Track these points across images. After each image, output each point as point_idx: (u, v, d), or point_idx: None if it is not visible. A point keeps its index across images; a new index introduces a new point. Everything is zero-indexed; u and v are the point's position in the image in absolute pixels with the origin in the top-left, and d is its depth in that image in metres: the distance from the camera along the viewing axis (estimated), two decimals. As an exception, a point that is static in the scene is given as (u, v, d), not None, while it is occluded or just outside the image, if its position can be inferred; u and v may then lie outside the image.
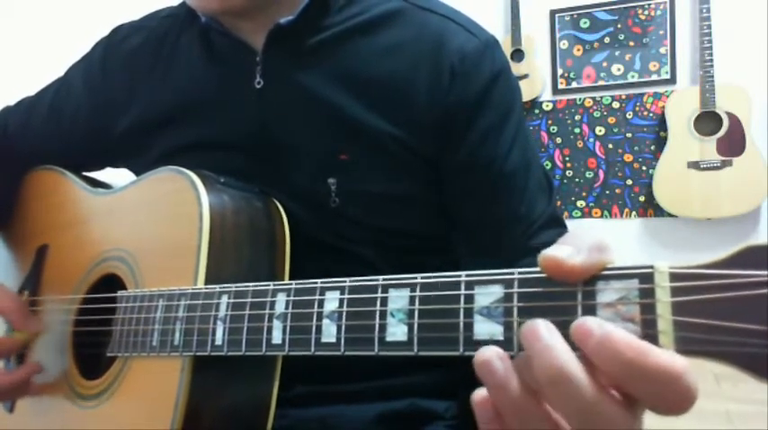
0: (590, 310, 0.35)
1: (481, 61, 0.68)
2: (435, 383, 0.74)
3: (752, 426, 2.09)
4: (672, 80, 3.06)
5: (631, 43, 3.12)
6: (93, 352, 0.72)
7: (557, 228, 0.72)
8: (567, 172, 3.25)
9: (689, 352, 0.32)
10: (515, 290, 0.38)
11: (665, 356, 0.31)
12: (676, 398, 0.31)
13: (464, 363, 0.39)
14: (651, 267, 0.33)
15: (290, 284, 0.50)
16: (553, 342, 0.33)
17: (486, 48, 0.69)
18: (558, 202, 3.25)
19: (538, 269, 0.37)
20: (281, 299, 0.50)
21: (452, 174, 0.70)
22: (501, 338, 0.38)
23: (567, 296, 0.36)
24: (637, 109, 3.12)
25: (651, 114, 3.10)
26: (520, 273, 0.38)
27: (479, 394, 0.37)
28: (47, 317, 0.78)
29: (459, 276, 0.40)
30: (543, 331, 0.34)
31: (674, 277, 0.33)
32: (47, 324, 0.78)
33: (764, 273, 0.30)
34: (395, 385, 0.73)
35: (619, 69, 3.14)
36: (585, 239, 0.36)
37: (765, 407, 2.03)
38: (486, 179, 0.70)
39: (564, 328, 0.34)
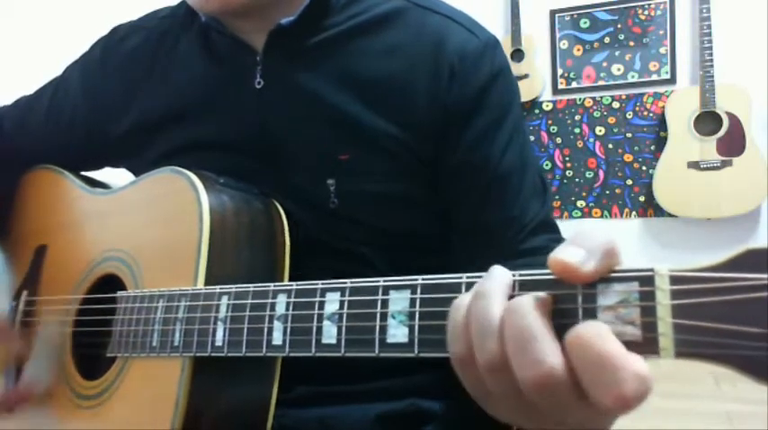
0: (590, 313, 0.35)
1: (481, 61, 0.68)
2: (435, 383, 0.74)
3: (752, 426, 2.09)
4: (672, 80, 3.06)
5: (631, 43, 3.12)
6: (92, 352, 0.72)
7: (549, 234, 0.71)
8: (567, 172, 3.25)
9: (689, 354, 0.32)
10: (516, 292, 0.38)
11: (617, 347, 0.32)
12: (606, 386, 0.32)
13: None
14: (651, 270, 0.33)
15: (291, 285, 0.50)
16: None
17: (486, 47, 0.69)
18: (558, 202, 3.25)
19: (538, 271, 0.37)
20: (281, 300, 0.50)
21: (449, 173, 0.70)
22: None
23: (567, 299, 0.36)
24: (637, 109, 3.12)
25: (651, 114, 3.10)
26: (520, 275, 0.38)
27: (461, 311, 0.39)
28: (46, 317, 0.78)
29: (461, 278, 0.40)
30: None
31: (675, 280, 0.33)
32: (45, 325, 0.78)
33: (764, 276, 0.30)
34: (395, 385, 0.73)
35: (619, 69, 3.14)
36: (596, 239, 0.36)
37: (765, 407, 2.03)
38: (481, 179, 0.70)
39: (563, 330, 0.34)
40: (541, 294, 0.36)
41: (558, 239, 0.71)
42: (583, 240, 0.36)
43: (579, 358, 0.33)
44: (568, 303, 0.36)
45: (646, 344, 0.33)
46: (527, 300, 0.36)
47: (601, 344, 0.32)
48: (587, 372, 0.33)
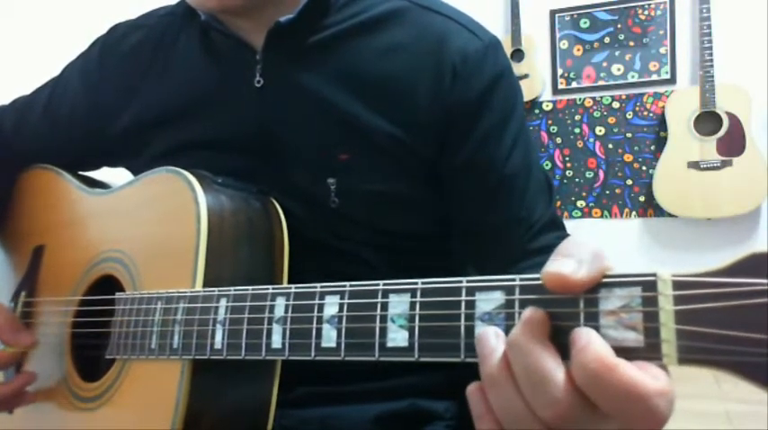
0: (592, 318, 0.35)
1: (483, 62, 0.68)
2: (435, 383, 0.74)
3: (752, 426, 2.09)
4: (672, 80, 3.06)
5: (631, 43, 3.12)
6: (91, 354, 0.71)
7: (556, 231, 0.72)
8: (567, 172, 3.25)
9: (692, 361, 0.32)
10: (517, 296, 0.38)
11: (633, 374, 0.32)
12: (639, 417, 0.32)
13: (464, 365, 0.39)
14: (654, 275, 0.33)
15: (290, 288, 0.50)
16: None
17: (488, 49, 0.69)
18: (558, 202, 3.24)
19: (539, 276, 0.37)
20: (280, 302, 0.50)
21: (453, 175, 0.70)
22: None
23: (569, 303, 0.35)
24: (637, 109, 3.12)
25: (651, 114, 3.09)
26: (521, 279, 0.38)
27: (474, 384, 0.38)
28: (44, 318, 0.78)
29: (461, 282, 0.40)
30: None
31: (677, 285, 0.32)
32: (43, 326, 0.77)
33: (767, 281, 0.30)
34: (395, 385, 0.73)
35: (619, 69, 3.14)
36: (583, 248, 0.36)
37: (765, 407, 2.03)
38: (486, 181, 0.70)
39: (565, 335, 0.34)
40: (535, 315, 0.36)
41: (565, 237, 0.71)
42: (569, 249, 0.37)
43: (599, 396, 0.32)
44: (570, 307, 0.35)
45: (649, 351, 0.33)
46: (523, 336, 0.35)
47: (615, 377, 0.32)
48: (613, 407, 0.32)
